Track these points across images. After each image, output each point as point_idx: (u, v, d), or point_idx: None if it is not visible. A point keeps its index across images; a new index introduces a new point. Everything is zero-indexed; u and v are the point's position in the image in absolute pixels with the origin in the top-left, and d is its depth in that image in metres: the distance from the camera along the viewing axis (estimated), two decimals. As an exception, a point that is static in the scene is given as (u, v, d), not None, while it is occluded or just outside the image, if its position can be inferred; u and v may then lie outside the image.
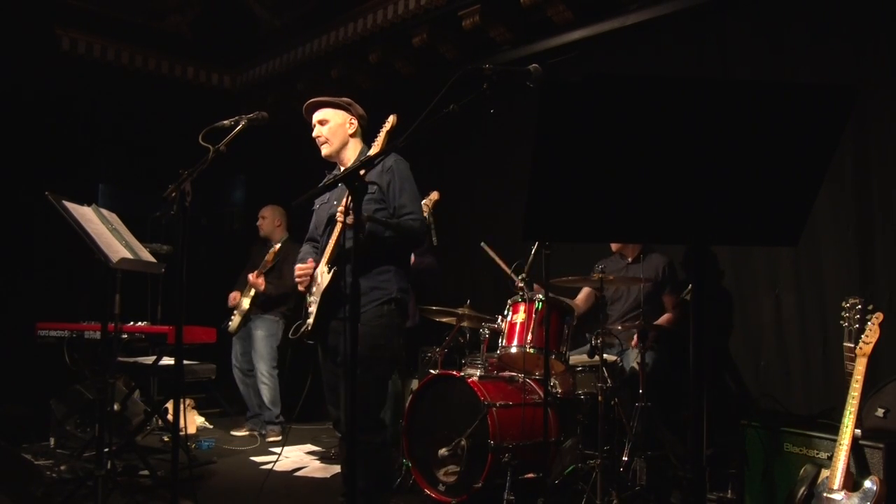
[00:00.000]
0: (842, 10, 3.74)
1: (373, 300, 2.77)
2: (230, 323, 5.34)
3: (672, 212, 1.41)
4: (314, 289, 2.86)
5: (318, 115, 3.00)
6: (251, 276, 5.18)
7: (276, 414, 5.34)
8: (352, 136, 3.00)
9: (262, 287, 5.16)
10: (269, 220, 5.51)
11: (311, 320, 2.84)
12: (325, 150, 2.99)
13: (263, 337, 5.32)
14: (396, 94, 5.69)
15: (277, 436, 5.28)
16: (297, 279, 2.93)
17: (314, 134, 3.00)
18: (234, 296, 5.39)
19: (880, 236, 3.57)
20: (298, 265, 2.93)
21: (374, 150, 2.86)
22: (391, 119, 2.86)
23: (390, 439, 3.00)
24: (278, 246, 5.23)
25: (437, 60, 5.56)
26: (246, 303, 5.29)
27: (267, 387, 5.32)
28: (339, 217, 2.67)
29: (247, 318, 5.35)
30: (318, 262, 2.90)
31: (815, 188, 1.39)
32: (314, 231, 3.06)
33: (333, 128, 2.97)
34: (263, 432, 5.35)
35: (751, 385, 4.01)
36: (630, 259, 4.22)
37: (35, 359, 4.47)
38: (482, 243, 4.19)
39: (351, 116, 3.00)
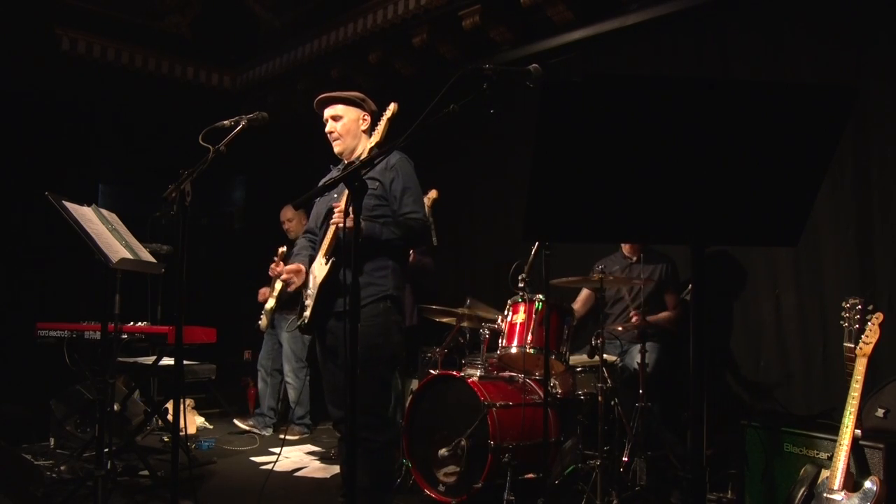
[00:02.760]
0: (842, 10, 3.73)
1: (368, 296, 2.74)
2: (260, 322, 5.39)
3: (672, 212, 1.41)
4: (311, 282, 2.85)
5: (330, 111, 2.97)
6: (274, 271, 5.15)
7: (300, 415, 5.40)
8: (364, 132, 2.97)
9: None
10: (297, 222, 5.45)
11: (307, 313, 2.82)
12: (337, 147, 2.97)
13: (288, 339, 5.35)
14: (396, 94, 5.66)
15: (296, 435, 5.32)
16: (283, 280, 2.91)
17: (327, 129, 2.97)
18: (263, 291, 5.38)
19: (880, 236, 3.57)
20: (285, 267, 2.92)
21: (374, 139, 2.85)
22: (392, 107, 2.84)
23: (395, 438, 2.99)
24: (283, 250, 5.14)
25: (437, 60, 5.56)
26: (271, 302, 5.30)
27: (291, 386, 5.36)
28: (336, 219, 2.67)
29: (273, 317, 5.37)
30: (315, 255, 2.90)
31: (815, 188, 1.39)
32: (312, 223, 3.05)
33: (347, 124, 2.95)
34: (265, 433, 5.36)
35: (751, 385, 4.00)
36: (633, 259, 4.22)
37: (35, 359, 4.47)
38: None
39: (364, 112, 2.97)
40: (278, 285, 5.21)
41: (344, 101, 2.98)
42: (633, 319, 3.82)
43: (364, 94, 3.02)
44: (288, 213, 5.51)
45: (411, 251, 3.96)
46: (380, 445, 2.73)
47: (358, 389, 1.99)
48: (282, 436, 5.20)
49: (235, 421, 5.49)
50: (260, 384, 5.53)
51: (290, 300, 5.25)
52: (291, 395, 5.39)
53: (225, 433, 5.45)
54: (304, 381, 5.34)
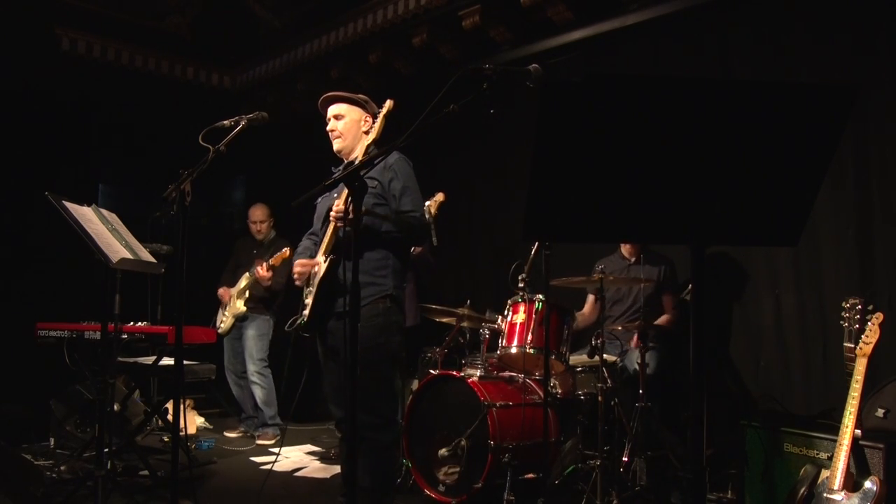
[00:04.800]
0: (842, 10, 3.73)
1: (368, 296, 2.74)
2: (221, 324, 5.22)
3: (672, 212, 1.41)
4: (311, 280, 2.85)
5: (333, 110, 2.99)
6: (259, 270, 4.94)
7: (271, 415, 5.19)
8: (365, 133, 2.97)
9: (269, 282, 5.02)
10: (268, 225, 5.44)
11: (306, 311, 2.82)
12: (337, 145, 2.98)
13: (254, 336, 5.22)
14: (396, 94, 5.65)
15: (271, 439, 5.11)
16: (294, 274, 2.90)
17: (329, 128, 2.99)
18: (223, 291, 5.27)
19: (880, 236, 3.57)
20: (299, 260, 2.92)
21: (371, 136, 2.87)
22: (388, 103, 2.87)
23: (399, 438, 2.99)
24: (287, 250, 4.87)
25: (437, 60, 5.56)
26: (240, 304, 5.17)
27: (258, 386, 5.17)
28: (333, 217, 2.68)
29: (237, 318, 5.25)
30: (315, 255, 2.90)
31: (815, 188, 1.39)
32: (315, 224, 3.06)
33: (349, 123, 2.96)
34: (257, 434, 5.21)
35: (751, 385, 4.00)
36: (632, 259, 4.22)
37: (35, 359, 4.47)
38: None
39: (366, 114, 2.98)
40: (244, 283, 5.11)
41: (348, 100, 2.99)
42: (634, 342, 3.86)
43: (367, 97, 3.02)
44: (260, 213, 5.42)
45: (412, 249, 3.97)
46: (383, 445, 2.73)
47: (360, 389, 1.99)
48: (258, 442, 5.08)
49: (226, 433, 5.40)
50: (234, 389, 5.35)
51: (266, 299, 5.16)
52: (259, 395, 5.16)
53: (225, 433, 5.45)
54: (270, 378, 5.19)
